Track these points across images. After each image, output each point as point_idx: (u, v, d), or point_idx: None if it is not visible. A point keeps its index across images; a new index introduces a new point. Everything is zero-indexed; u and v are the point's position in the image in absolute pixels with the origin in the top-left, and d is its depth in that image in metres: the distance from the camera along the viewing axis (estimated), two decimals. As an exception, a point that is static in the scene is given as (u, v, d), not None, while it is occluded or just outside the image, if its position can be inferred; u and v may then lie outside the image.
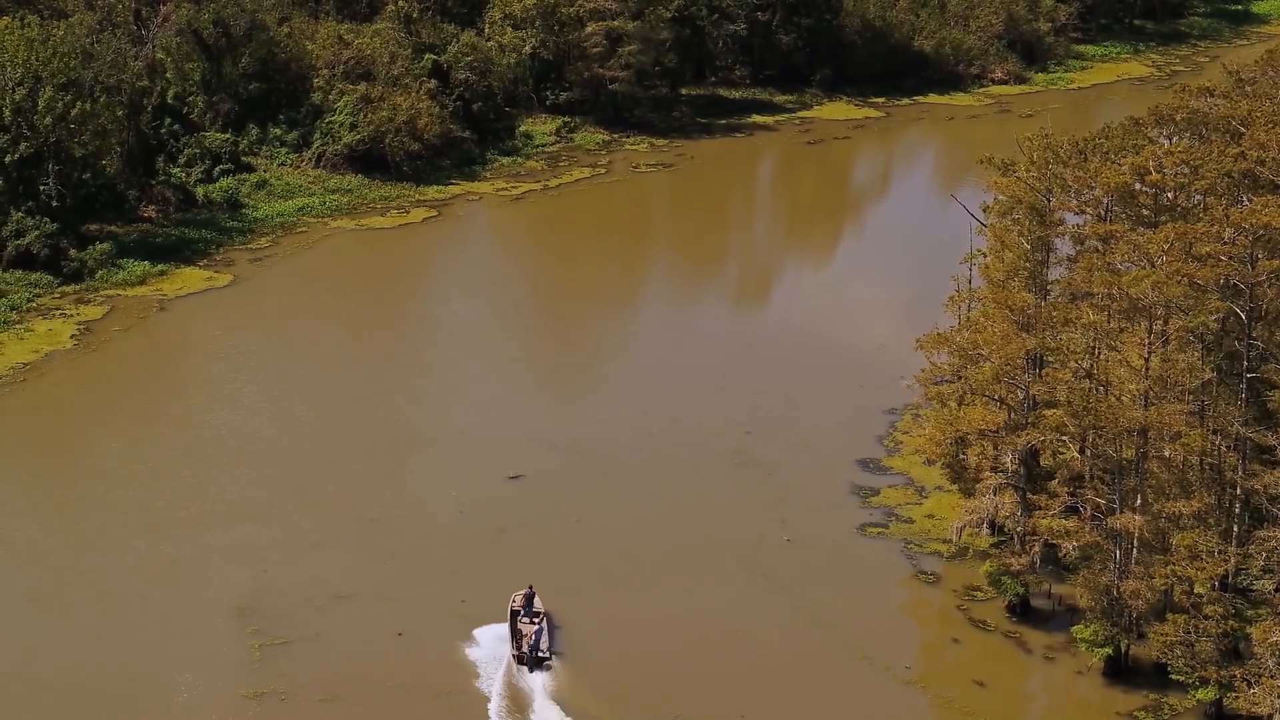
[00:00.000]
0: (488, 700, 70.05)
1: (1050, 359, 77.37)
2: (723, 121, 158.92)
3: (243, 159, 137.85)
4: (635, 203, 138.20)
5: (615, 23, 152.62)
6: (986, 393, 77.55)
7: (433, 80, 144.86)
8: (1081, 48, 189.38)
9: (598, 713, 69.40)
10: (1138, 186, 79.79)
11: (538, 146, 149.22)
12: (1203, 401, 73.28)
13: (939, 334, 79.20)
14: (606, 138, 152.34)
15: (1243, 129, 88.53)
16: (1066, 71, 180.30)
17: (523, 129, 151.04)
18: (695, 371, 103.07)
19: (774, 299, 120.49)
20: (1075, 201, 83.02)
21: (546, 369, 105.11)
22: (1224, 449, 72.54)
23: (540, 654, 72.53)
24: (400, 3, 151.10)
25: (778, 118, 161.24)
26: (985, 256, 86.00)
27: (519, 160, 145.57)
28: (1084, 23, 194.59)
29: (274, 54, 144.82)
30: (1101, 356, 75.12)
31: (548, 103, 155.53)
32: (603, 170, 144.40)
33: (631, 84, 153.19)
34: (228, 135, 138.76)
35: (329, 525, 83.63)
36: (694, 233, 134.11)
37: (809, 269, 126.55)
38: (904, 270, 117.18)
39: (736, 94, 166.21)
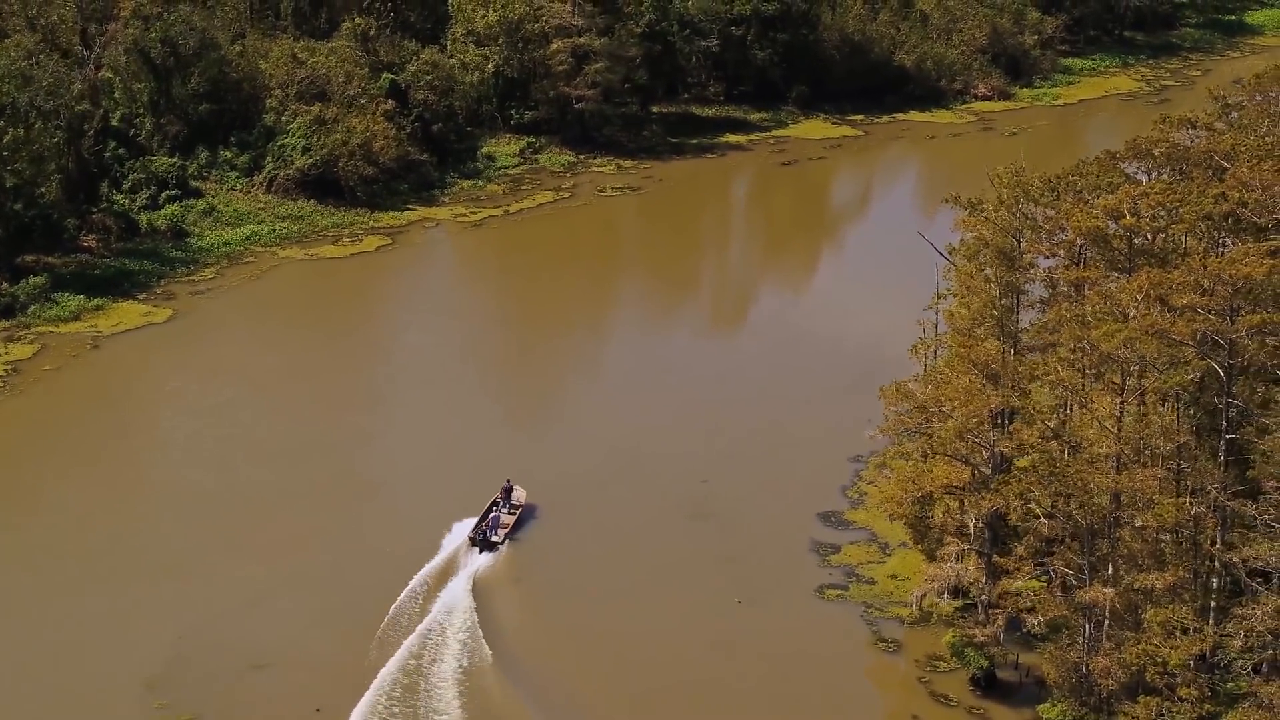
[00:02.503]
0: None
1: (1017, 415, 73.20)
2: (694, 141, 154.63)
3: (191, 184, 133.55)
4: (599, 229, 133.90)
5: (581, 40, 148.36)
6: (948, 451, 73.25)
7: (390, 100, 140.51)
8: (1069, 61, 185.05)
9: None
10: (1111, 229, 75.52)
11: (500, 168, 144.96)
12: (1179, 465, 68.96)
13: (899, 386, 74.89)
14: (572, 159, 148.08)
15: (1226, 164, 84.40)
16: (1052, 87, 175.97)
17: (485, 150, 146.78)
18: (658, 410, 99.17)
19: (743, 331, 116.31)
20: (1046, 244, 78.86)
21: (500, 407, 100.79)
22: (1201, 517, 68.15)
23: (493, 539, 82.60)
24: (357, 20, 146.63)
25: (752, 137, 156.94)
26: (952, 298, 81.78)
27: (480, 183, 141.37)
28: (1072, 35, 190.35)
29: (225, 73, 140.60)
30: (1071, 415, 70.90)
31: (512, 122, 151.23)
32: (566, 194, 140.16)
33: (599, 103, 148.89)
34: (175, 159, 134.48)
35: (257, 583, 79.43)
36: (659, 261, 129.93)
37: (780, 300, 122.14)
38: (880, 303, 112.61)
39: (710, 112, 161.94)
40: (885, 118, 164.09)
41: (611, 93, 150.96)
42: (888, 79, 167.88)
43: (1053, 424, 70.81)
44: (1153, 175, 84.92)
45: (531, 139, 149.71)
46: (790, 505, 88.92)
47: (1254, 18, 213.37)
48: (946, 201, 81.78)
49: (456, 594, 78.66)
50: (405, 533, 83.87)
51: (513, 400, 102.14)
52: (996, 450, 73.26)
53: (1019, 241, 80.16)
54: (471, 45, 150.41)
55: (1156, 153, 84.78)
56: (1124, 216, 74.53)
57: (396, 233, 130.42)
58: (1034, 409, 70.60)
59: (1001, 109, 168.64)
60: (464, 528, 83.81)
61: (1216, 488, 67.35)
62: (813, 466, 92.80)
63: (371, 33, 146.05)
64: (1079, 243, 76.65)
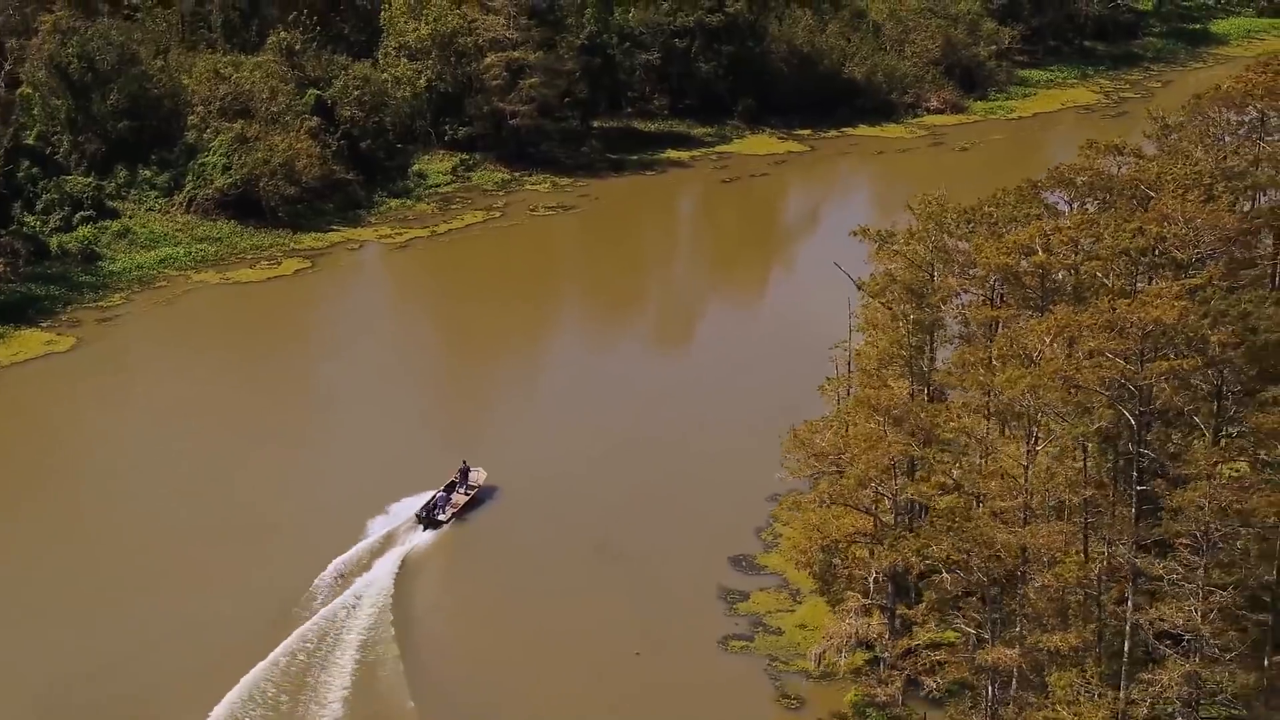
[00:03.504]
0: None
1: (917, 465, 69.96)
2: (634, 157, 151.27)
3: (108, 204, 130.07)
4: (528, 251, 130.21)
5: (516, 53, 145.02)
6: (849, 501, 69.97)
7: (315, 117, 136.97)
8: (1026, 72, 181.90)
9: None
10: (1024, 265, 72.34)
11: (431, 187, 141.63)
12: (1086, 519, 65.68)
13: (798, 434, 71.56)
14: (507, 176, 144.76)
15: (1153, 194, 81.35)
16: (1008, 99, 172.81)
17: (416, 168, 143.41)
18: (576, 441, 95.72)
19: (673, 358, 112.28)
20: (958, 279, 75.65)
21: (413, 439, 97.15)
22: (1107, 576, 64.91)
23: (438, 516, 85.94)
24: (283, 34, 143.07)
25: (694, 153, 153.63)
26: (866, 334, 78.60)
27: (409, 203, 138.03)
28: (1030, 45, 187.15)
29: (146, 90, 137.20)
30: (974, 465, 67.67)
31: (447, 138, 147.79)
32: (497, 214, 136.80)
33: (534, 118, 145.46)
34: (91, 179, 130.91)
35: (126, 638, 75.76)
36: (588, 284, 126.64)
37: (711, 325, 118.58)
38: (815, 329, 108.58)
39: (653, 126, 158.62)
40: (834, 132, 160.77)
41: (549, 108, 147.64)
42: (837, 92, 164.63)
43: (956, 473, 67.41)
44: (1075, 205, 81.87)
45: (466, 156, 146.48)
46: (703, 547, 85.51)
47: (1219, 27, 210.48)
48: (854, 234, 78.47)
49: (380, 574, 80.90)
50: (304, 567, 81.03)
51: (422, 432, 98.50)
52: (901, 499, 70.00)
53: (933, 276, 77.08)
54: (404, 59, 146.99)
55: (1079, 181, 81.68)
56: (1035, 253, 71.29)
57: (318, 255, 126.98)
58: (934, 459, 67.27)
59: (954, 122, 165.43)
60: (409, 507, 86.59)
61: (1124, 545, 64.10)
62: (730, 505, 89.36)
63: (298, 47, 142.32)
64: (992, 279, 73.40)
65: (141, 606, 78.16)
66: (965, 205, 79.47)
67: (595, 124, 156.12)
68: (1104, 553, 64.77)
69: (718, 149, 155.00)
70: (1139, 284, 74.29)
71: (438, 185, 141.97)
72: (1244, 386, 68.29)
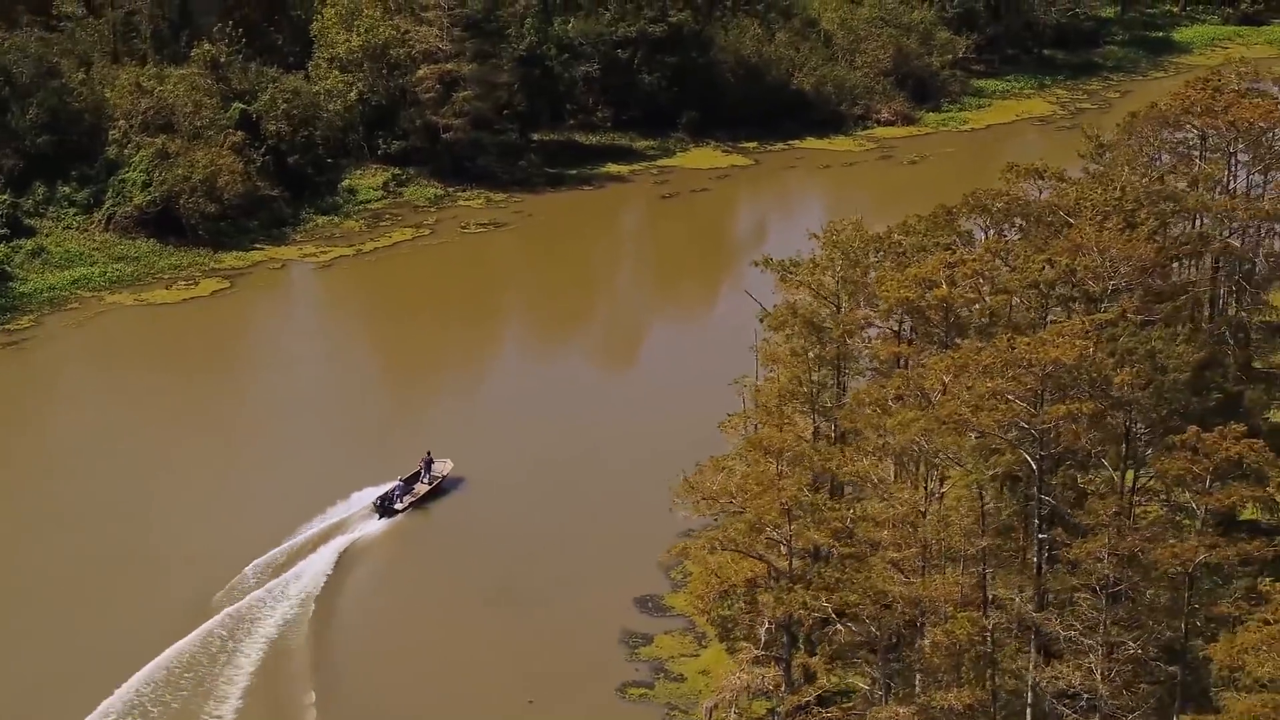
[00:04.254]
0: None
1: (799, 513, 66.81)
2: (573, 172, 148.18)
3: (24, 222, 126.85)
4: (455, 270, 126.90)
5: (449, 66, 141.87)
6: (740, 548, 66.92)
7: (240, 132, 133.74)
8: (982, 82, 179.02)
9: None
10: (927, 299, 69.45)
11: (361, 203, 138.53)
12: (984, 570, 62.78)
13: (687, 481, 68.46)
14: (440, 192, 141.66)
15: (1071, 221, 78.60)
16: (961, 110, 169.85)
17: (347, 183, 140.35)
18: (488, 472, 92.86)
19: (600, 383, 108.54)
20: (864, 312, 72.80)
21: (309, 472, 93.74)
22: (1002, 631, 62.03)
23: (395, 506, 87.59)
24: (207, 46, 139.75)
25: (635, 167, 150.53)
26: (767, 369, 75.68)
27: (336, 220, 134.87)
28: (987, 54, 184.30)
29: (66, 103, 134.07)
30: (870, 511, 64.75)
31: (380, 152, 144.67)
32: (427, 231, 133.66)
33: (468, 131, 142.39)
34: (6, 196, 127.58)
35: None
36: (514, 305, 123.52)
37: (642, 348, 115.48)
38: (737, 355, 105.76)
39: (595, 139, 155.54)
40: (780, 145, 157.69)
41: (484, 121, 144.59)
42: (785, 103, 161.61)
43: (849, 519, 64.46)
44: (991, 233, 79.06)
45: (399, 171, 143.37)
46: (608, 587, 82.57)
47: (1182, 35, 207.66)
48: (756, 264, 75.58)
49: (318, 562, 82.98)
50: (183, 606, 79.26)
51: (318, 462, 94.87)
52: (797, 546, 66.96)
53: (839, 308, 74.26)
54: (335, 71, 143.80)
55: (996, 207, 78.87)
56: (938, 286, 68.41)
57: (239, 275, 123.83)
58: (824, 504, 64.30)
59: (905, 135, 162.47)
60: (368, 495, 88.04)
61: (1024, 598, 61.25)
62: (641, 542, 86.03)
63: (223, 59, 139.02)
64: (898, 313, 70.54)
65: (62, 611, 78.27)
66: (875, 232, 76.62)
67: (535, 137, 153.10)
68: (1003, 606, 61.93)
69: (660, 163, 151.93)
70: (1051, 318, 71.61)
71: (368, 201, 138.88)
72: (1153, 427, 65.44)
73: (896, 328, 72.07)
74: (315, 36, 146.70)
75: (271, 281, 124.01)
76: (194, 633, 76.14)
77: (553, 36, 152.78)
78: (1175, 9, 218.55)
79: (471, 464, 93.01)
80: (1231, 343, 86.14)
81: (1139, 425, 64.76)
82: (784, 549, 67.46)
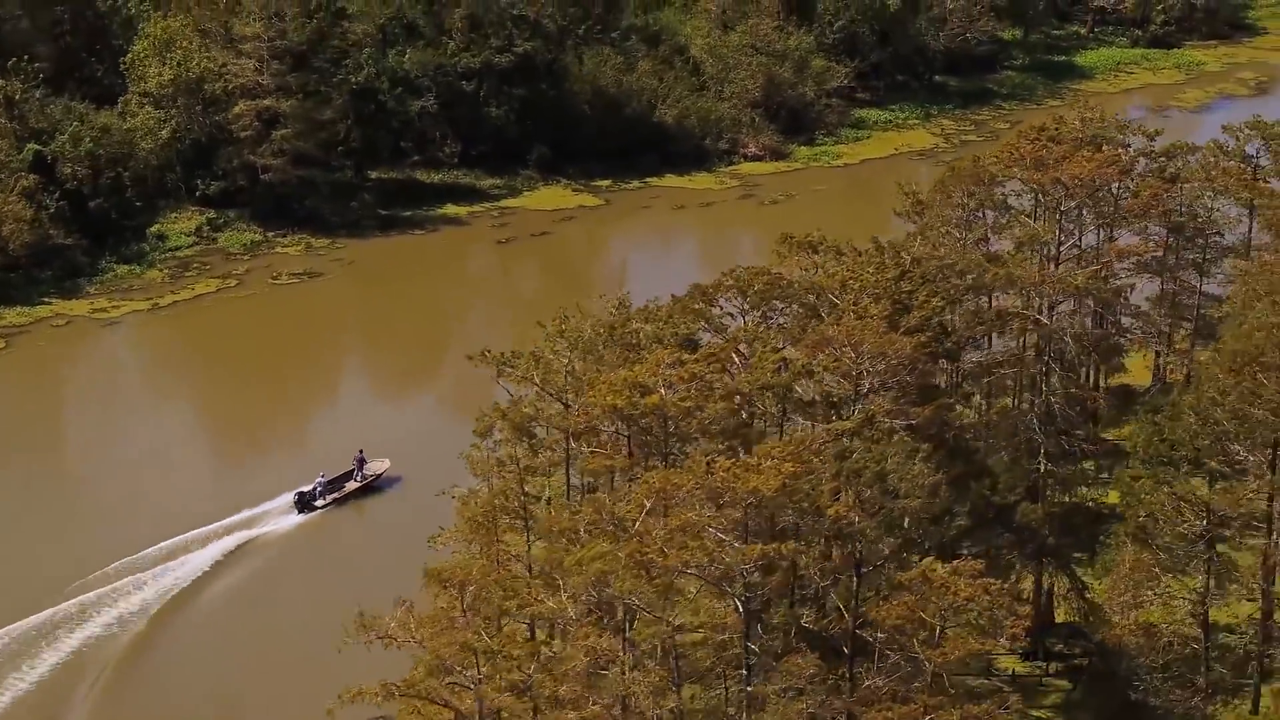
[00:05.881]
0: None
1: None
2: (407, 214, 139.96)
3: None
4: (252, 329, 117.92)
5: (267, 101, 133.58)
6: (419, 693, 58.92)
7: (33, 175, 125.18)
8: (864, 112, 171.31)
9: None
10: (641, 405, 61.50)
11: (170, 250, 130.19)
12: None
13: (361, 618, 60.33)
14: (258, 237, 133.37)
15: (836, 302, 70.90)
16: (836, 144, 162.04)
17: (156, 229, 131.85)
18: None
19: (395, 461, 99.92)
20: (581, 415, 64.85)
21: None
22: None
23: (315, 502, 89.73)
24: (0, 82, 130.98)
25: (475, 208, 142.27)
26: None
27: (138, 269, 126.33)
28: (873, 81, 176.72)
29: None
30: (549, 660, 56.77)
31: (199, 194, 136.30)
32: (234, 282, 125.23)
33: (288, 172, 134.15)
34: None
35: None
36: (303, 374, 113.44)
37: (427, 421, 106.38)
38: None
39: (437, 177, 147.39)
40: (636, 183, 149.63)
41: (308, 159, 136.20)
42: (645, 138, 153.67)
43: (531, 669, 56.40)
44: (747, 317, 71.27)
45: (216, 214, 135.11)
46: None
47: (1086, 59, 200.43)
48: (471, 359, 67.59)
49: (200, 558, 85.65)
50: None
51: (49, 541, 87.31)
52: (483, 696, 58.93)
53: (568, 406, 66.39)
54: (148, 106, 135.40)
55: (757, 287, 71.03)
56: (651, 392, 60.46)
57: (17, 333, 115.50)
58: (505, 652, 56.26)
59: (772, 171, 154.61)
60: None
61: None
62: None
63: (17, 96, 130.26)
64: (609, 423, 62.63)
65: None
66: (613, 318, 68.74)
67: (373, 175, 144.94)
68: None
69: (503, 203, 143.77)
70: (791, 424, 63.85)
71: (177, 248, 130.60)
72: (885, 559, 57.72)
73: (615, 435, 64.07)
74: (126, 69, 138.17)
75: (56, 339, 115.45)
76: (29, 618, 78.70)
77: (386, 69, 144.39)
78: (1083, 31, 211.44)
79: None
80: (1039, 433, 78.33)
81: (870, 558, 57.01)
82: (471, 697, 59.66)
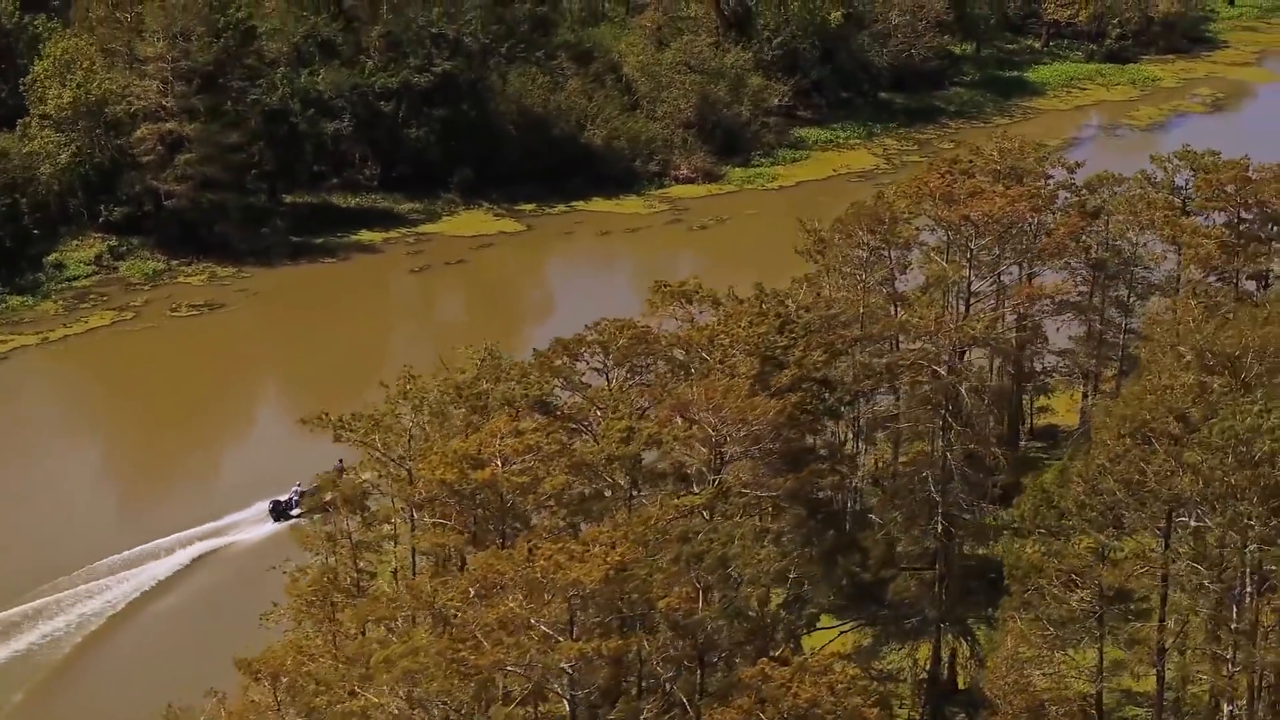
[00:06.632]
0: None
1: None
2: (319, 240, 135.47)
3: None
4: (146, 365, 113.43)
5: (170, 125, 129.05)
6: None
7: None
8: (805, 131, 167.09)
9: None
10: (473, 479, 57.13)
11: (68, 280, 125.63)
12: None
13: (171, 710, 56.04)
14: (161, 265, 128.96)
15: (707, 357, 66.58)
16: (773, 165, 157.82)
17: (55, 257, 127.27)
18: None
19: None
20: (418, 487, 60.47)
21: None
22: None
23: (290, 511, 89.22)
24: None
25: (391, 234, 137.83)
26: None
27: (31, 301, 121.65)
28: (814, 98, 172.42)
29: None
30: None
31: (102, 220, 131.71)
32: (131, 314, 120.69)
33: (192, 197, 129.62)
34: None
35: None
36: (198, 409, 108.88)
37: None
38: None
39: (355, 201, 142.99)
40: (562, 206, 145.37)
41: (216, 183, 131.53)
42: (573, 159, 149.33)
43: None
44: (611, 377, 66.89)
45: (119, 241, 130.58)
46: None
47: (1038, 75, 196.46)
48: (305, 422, 63.15)
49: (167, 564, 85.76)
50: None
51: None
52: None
53: (410, 474, 61.97)
54: (48, 129, 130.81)
55: (620, 344, 66.68)
56: (485, 465, 56.10)
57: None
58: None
59: (704, 194, 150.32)
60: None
61: None
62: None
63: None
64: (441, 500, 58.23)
65: None
66: (465, 376, 64.36)
67: (288, 199, 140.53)
68: None
69: (421, 229, 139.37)
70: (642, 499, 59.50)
71: (75, 278, 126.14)
72: (730, 652, 53.41)
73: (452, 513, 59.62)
74: (25, 89, 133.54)
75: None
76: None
77: (299, 90, 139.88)
78: (1037, 45, 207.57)
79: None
80: (935, 492, 74.14)
81: (715, 651, 52.72)
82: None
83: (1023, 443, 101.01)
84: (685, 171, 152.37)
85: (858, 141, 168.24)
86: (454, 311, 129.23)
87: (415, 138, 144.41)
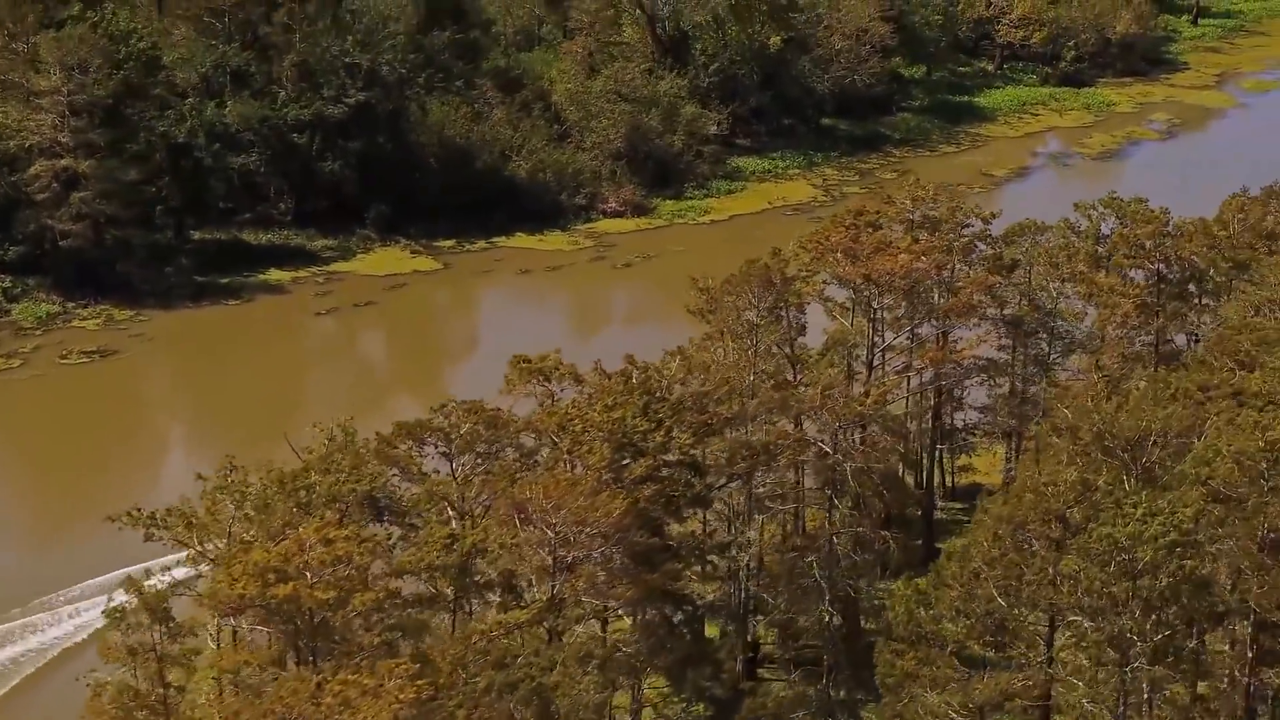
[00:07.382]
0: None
1: None
2: (225, 280, 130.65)
3: None
4: (28, 416, 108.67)
5: (65, 161, 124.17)
6: None
7: None
8: (742, 161, 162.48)
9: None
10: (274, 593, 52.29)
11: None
12: None
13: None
14: (56, 308, 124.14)
15: (557, 442, 61.93)
16: (706, 197, 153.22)
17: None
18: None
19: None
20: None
21: None
22: None
23: None
24: None
25: (301, 273, 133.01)
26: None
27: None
28: (753, 124, 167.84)
29: None
30: None
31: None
32: (18, 362, 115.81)
33: (87, 236, 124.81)
34: None
35: None
36: (64, 481, 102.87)
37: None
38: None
39: (266, 238, 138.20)
40: (482, 243, 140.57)
41: (122, 221, 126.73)
42: (496, 193, 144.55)
43: None
44: (456, 464, 62.21)
45: (13, 283, 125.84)
46: None
47: (990, 99, 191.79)
48: (114, 520, 58.39)
49: None
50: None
51: None
52: None
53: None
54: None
55: (462, 432, 62.01)
56: (288, 580, 51.31)
57: None
58: None
59: (633, 228, 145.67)
60: None
61: None
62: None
63: None
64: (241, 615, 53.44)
65: None
66: (291, 468, 59.59)
67: (196, 236, 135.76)
68: None
69: (332, 267, 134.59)
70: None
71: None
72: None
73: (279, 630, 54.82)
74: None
75: None
76: None
77: (205, 122, 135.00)
78: (990, 67, 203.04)
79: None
80: (818, 577, 69.56)
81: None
82: None
83: (939, 505, 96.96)
84: (614, 205, 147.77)
85: (797, 171, 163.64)
86: (358, 358, 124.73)
87: (330, 171, 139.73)
